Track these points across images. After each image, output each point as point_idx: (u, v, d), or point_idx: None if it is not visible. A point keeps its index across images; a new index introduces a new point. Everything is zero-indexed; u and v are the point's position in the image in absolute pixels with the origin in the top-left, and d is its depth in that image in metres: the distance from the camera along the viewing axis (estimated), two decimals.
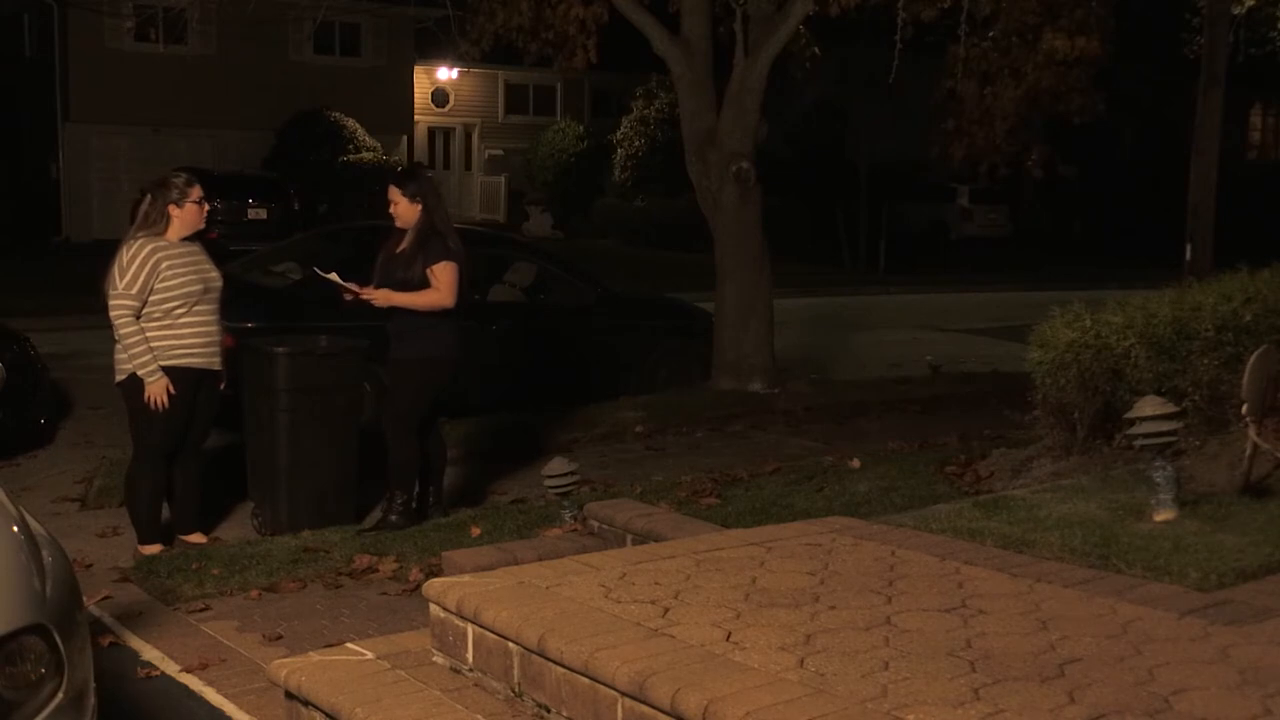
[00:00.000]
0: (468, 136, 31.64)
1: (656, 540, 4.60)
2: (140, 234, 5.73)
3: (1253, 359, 4.73)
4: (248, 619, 4.76)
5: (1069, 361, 5.50)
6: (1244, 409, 4.73)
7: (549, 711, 3.15)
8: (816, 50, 11.99)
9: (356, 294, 6.11)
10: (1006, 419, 6.55)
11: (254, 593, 5.04)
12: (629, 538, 5.05)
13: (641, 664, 2.90)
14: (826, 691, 2.75)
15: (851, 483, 6.28)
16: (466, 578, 3.73)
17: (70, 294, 15.49)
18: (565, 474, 5.44)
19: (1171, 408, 4.13)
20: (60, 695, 2.67)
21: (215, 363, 5.85)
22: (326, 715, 3.36)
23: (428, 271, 5.98)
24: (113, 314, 5.63)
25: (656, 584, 3.53)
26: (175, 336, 5.68)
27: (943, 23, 11.23)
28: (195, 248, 5.86)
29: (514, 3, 11.50)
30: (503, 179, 30.59)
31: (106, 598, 4.98)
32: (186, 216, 5.76)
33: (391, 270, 6.10)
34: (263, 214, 21.29)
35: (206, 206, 5.84)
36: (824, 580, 3.55)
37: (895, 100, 16.53)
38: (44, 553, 2.93)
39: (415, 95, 29.63)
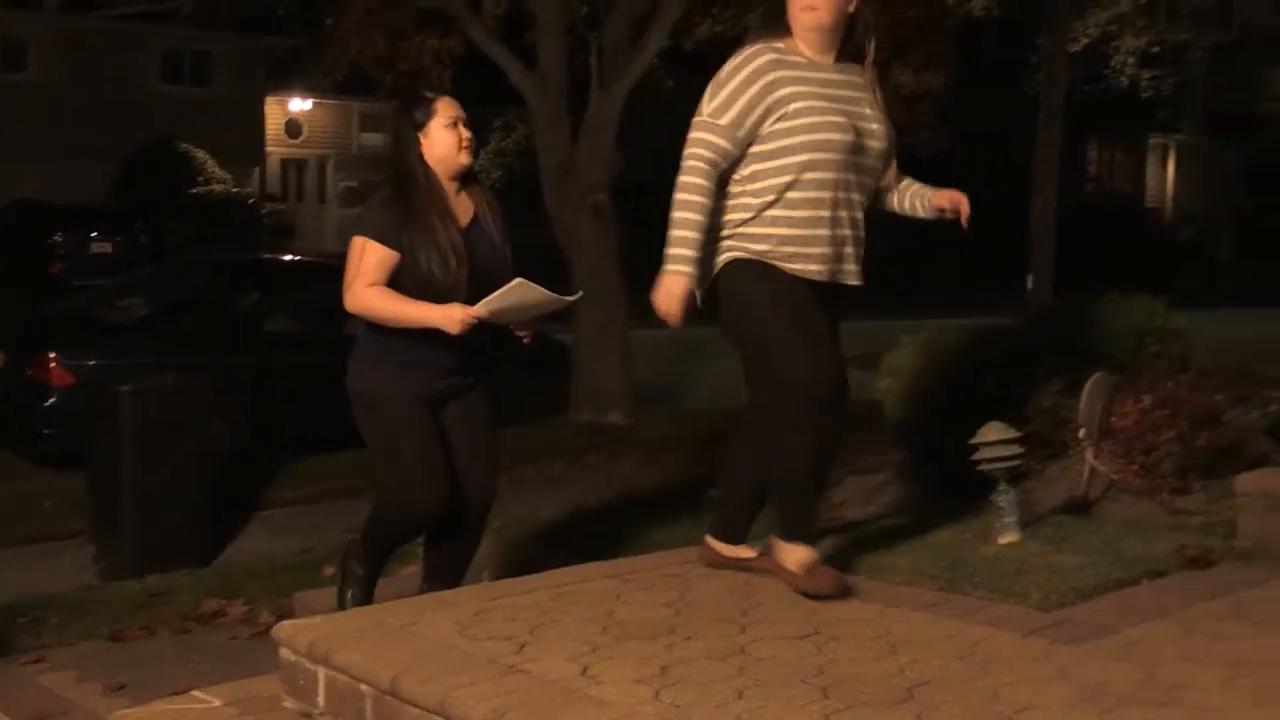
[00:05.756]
0: (321, 168, 31.21)
1: (514, 575, 4.57)
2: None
3: (1088, 385, 4.91)
4: (88, 669, 4.58)
5: (917, 389, 5.64)
6: (1081, 433, 4.91)
7: None
8: (670, 83, 12.14)
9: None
10: (859, 447, 6.67)
11: (96, 641, 4.86)
12: (485, 574, 5.01)
13: (496, 701, 2.87)
14: None
15: (707, 511, 6.31)
16: (319, 619, 3.66)
17: None
18: None
19: (1013, 433, 4.25)
20: None
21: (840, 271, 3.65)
22: None
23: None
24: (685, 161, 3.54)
25: (513, 619, 3.50)
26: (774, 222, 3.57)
27: None
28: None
29: (368, 34, 11.43)
30: (358, 211, 30.24)
31: None
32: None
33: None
34: (107, 248, 20.68)
35: None
36: (680, 611, 3.56)
37: None
38: None
39: (267, 126, 29.15)
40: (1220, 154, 33.86)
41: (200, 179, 24.85)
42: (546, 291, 3.85)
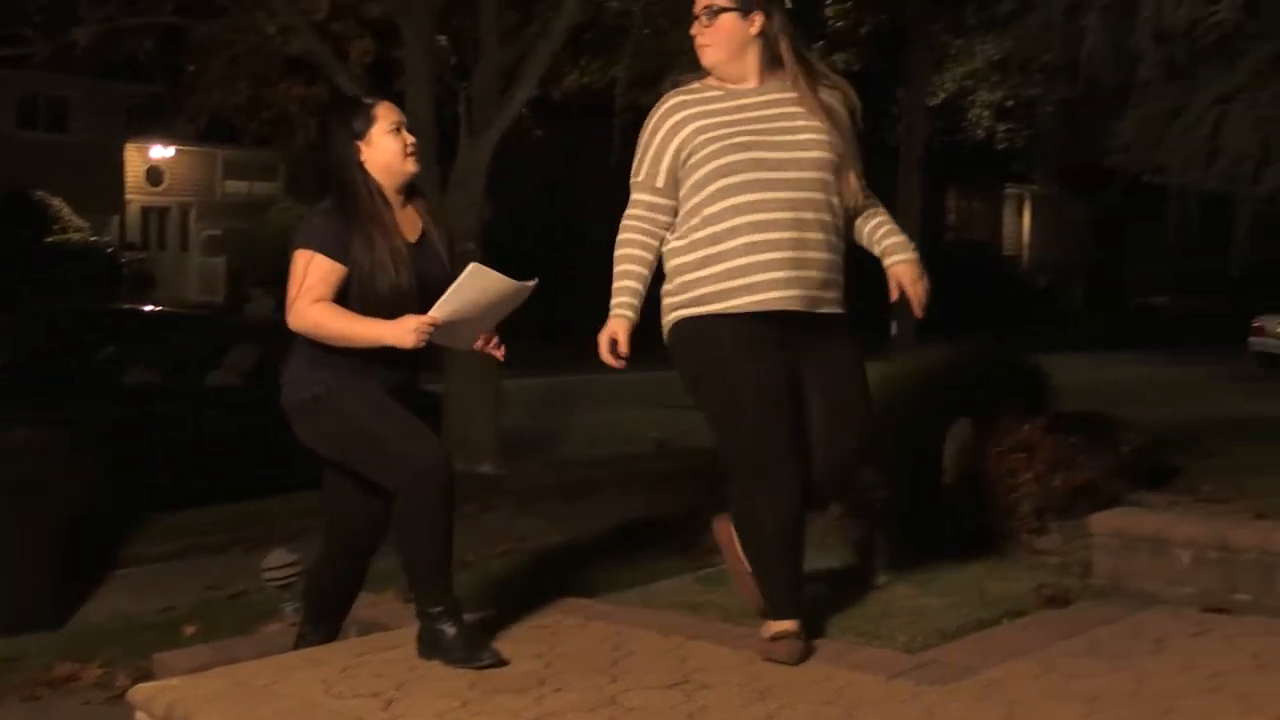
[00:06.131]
0: (184, 216, 30.57)
1: (382, 630, 4.49)
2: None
3: (950, 431, 5.03)
4: None
5: None
6: (945, 478, 5.02)
7: None
8: (539, 132, 12.19)
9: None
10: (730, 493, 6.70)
11: None
12: (353, 628, 4.90)
13: None
14: None
15: (579, 562, 6.30)
16: (177, 680, 3.55)
17: None
18: (286, 565, 5.25)
19: (878, 478, 4.33)
20: None
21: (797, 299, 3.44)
22: None
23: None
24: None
25: (379, 675, 3.44)
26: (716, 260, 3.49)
27: None
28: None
29: (231, 82, 11.28)
30: (222, 260, 29.66)
31: None
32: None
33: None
34: None
35: None
36: (550, 663, 3.54)
37: (619, 178, 16.94)
38: None
39: (128, 173, 28.48)
40: (1071, 205, 35.10)
41: (56, 227, 24.13)
42: (504, 278, 3.55)
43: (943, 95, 22.98)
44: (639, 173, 3.55)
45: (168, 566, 7.32)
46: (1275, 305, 21.38)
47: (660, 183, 3.52)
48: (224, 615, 5.72)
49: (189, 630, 5.48)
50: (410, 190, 3.77)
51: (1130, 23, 6.07)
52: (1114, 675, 3.32)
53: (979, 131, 26.14)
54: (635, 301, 3.53)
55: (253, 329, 12.65)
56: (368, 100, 3.81)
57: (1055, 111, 20.75)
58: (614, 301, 3.54)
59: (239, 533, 7.83)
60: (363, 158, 3.67)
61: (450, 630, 3.56)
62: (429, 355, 3.77)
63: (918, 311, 3.52)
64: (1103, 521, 4.35)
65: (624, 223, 3.58)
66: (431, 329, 3.53)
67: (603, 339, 3.51)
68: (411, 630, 3.85)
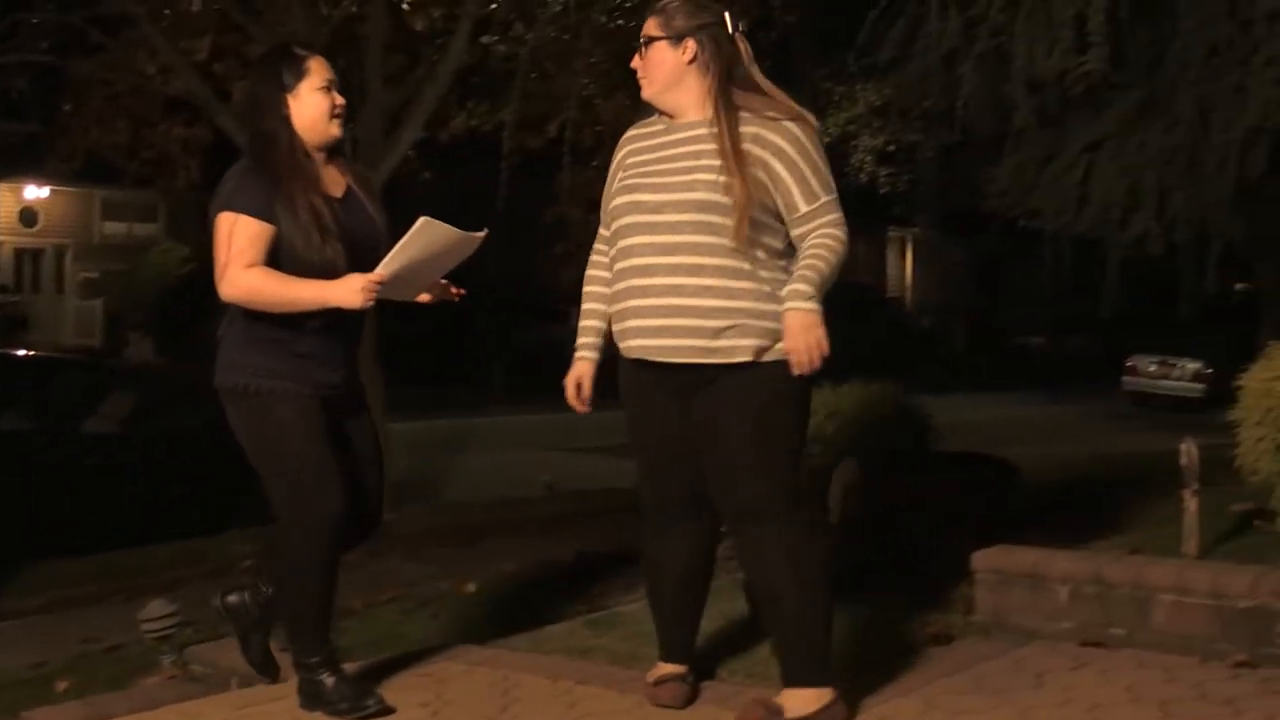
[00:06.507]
0: (60, 258, 29.80)
1: (264, 681, 4.39)
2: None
3: (837, 471, 5.10)
4: None
5: None
6: (830, 517, 5.08)
7: None
8: (427, 174, 12.15)
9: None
10: (620, 536, 6.72)
11: None
12: (234, 680, 4.79)
13: None
14: None
15: (467, 608, 6.24)
16: None
17: None
18: (164, 616, 5.13)
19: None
20: None
21: (656, 348, 3.28)
22: None
23: None
24: None
25: None
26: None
27: (549, 152, 11.66)
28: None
29: (109, 121, 11.07)
30: (99, 302, 28.94)
31: None
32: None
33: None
34: None
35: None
36: (438, 710, 3.50)
37: (508, 221, 16.94)
38: None
39: (0, 214, 27.71)
40: (951, 249, 35.88)
41: None
42: (453, 229, 3.39)
43: (826, 140, 23.41)
44: (603, 207, 3.44)
45: (41, 619, 7.10)
46: (1145, 345, 22.07)
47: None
48: (100, 669, 5.55)
49: (61, 685, 5.30)
50: (332, 151, 3.58)
51: (1004, 72, 6.26)
52: (997, 710, 3.38)
53: (862, 176, 26.63)
54: (597, 341, 3.45)
55: (131, 374, 12.35)
56: (301, 52, 3.58)
57: (935, 157, 21.24)
58: (577, 342, 3.47)
59: (116, 583, 7.62)
60: (288, 112, 3.48)
61: (329, 680, 3.49)
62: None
63: (794, 367, 3.16)
64: (983, 558, 4.43)
65: (590, 259, 3.51)
66: (379, 287, 3.38)
67: (568, 383, 3.46)
68: (295, 681, 3.78)
